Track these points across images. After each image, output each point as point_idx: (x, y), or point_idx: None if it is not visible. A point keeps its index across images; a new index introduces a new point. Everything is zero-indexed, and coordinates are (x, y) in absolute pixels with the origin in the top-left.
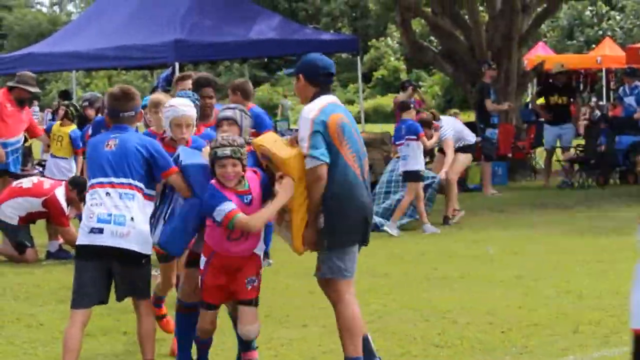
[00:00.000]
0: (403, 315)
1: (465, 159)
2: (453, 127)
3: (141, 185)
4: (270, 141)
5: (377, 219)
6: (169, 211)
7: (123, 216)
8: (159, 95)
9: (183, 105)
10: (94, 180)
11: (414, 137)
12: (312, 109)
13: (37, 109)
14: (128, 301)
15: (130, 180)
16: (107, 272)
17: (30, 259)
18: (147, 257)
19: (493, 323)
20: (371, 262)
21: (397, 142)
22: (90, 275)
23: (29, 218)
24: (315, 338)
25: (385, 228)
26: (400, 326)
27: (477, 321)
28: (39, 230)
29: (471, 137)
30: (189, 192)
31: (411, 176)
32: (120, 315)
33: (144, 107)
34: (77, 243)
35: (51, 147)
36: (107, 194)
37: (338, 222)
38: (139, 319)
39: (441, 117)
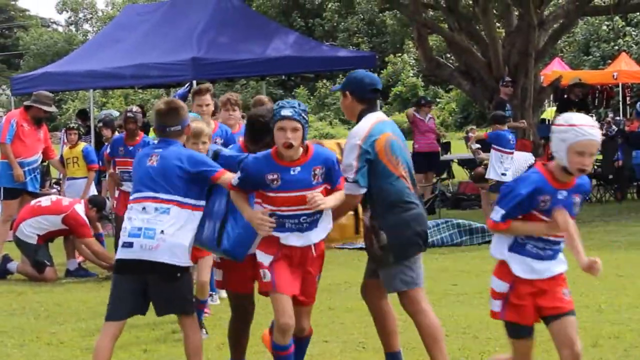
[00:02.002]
0: None
1: None
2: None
3: (180, 198)
4: None
5: None
6: (222, 213)
7: (153, 229)
8: (201, 125)
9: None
10: (135, 195)
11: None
12: (359, 134)
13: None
14: (148, 317)
15: (167, 196)
16: (142, 286)
17: (49, 277)
18: (182, 270)
19: None
20: None
21: (509, 150)
22: (124, 289)
23: (48, 236)
24: (337, 354)
25: None
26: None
27: (498, 336)
28: (57, 249)
29: (531, 159)
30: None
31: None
32: (140, 332)
33: None
34: (116, 257)
35: (67, 171)
36: (144, 208)
37: (400, 236)
38: (185, 334)
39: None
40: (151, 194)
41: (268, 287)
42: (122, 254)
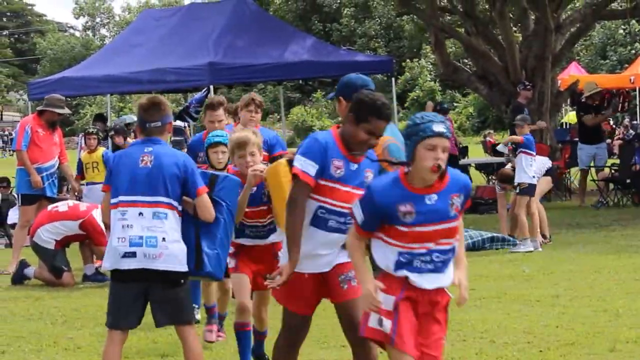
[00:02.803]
0: None
1: (545, 182)
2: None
3: (176, 203)
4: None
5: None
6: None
7: (155, 238)
8: (246, 134)
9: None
10: (125, 198)
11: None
12: None
13: None
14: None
15: (165, 199)
16: (142, 295)
17: (67, 282)
18: (184, 276)
19: (531, 342)
20: None
21: (534, 152)
22: (126, 298)
23: (65, 241)
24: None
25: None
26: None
27: (515, 340)
28: (74, 254)
29: (549, 163)
30: (213, 215)
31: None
32: (158, 337)
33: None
34: (111, 267)
35: (87, 176)
36: (140, 214)
37: None
38: (184, 344)
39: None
40: (148, 198)
41: (385, 339)
42: (124, 264)
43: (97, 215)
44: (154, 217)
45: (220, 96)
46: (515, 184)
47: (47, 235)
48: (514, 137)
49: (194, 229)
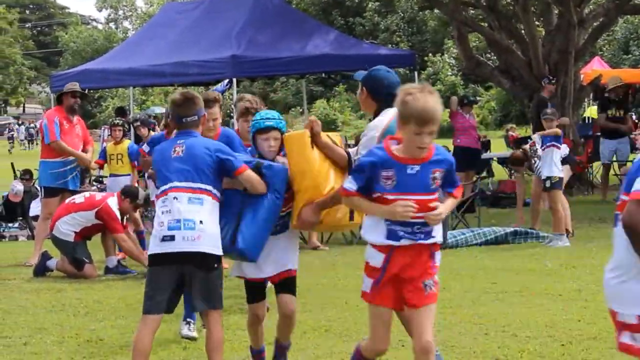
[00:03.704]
0: (462, 329)
1: (565, 170)
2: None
3: (210, 188)
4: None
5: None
6: (236, 212)
7: (192, 220)
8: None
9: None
10: (163, 187)
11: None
12: (379, 127)
13: (21, 128)
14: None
15: (200, 185)
16: (179, 280)
17: (89, 274)
18: (219, 260)
19: (553, 336)
20: None
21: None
22: (162, 282)
23: (85, 233)
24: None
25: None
26: (459, 340)
27: (537, 335)
28: (96, 246)
29: (566, 150)
30: (265, 187)
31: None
32: (179, 326)
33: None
34: (149, 252)
35: (110, 168)
36: (175, 198)
37: None
38: (208, 329)
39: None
40: (183, 183)
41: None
42: (162, 247)
43: (112, 203)
44: (189, 202)
45: (215, 92)
46: (544, 177)
47: (66, 228)
48: (550, 130)
49: (238, 207)
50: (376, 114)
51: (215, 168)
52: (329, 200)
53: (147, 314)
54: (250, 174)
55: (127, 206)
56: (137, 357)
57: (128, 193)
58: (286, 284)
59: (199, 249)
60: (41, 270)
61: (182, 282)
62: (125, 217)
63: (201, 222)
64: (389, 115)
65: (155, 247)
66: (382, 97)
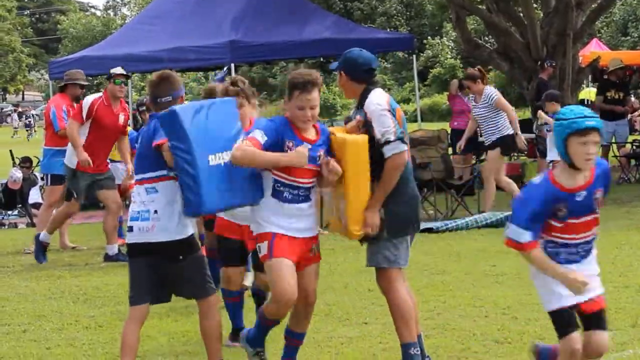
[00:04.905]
0: (462, 311)
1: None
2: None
3: (164, 172)
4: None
5: None
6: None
7: (147, 211)
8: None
9: None
10: (135, 178)
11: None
12: (382, 102)
13: (15, 115)
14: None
15: (151, 174)
16: (151, 271)
17: (71, 207)
18: (182, 249)
19: None
20: (429, 259)
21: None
22: (138, 272)
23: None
24: (376, 335)
25: None
26: (459, 322)
27: (537, 316)
28: (98, 233)
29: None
30: (170, 161)
31: None
32: (180, 316)
33: None
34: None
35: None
36: (138, 191)
37: (399, 211)
38: (200, 317)
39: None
40: (139, 175)
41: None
42: (127, 237)
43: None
44: (147, 193)
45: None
46: (549, 160)
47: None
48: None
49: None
50: (364, 95)
51: (153, 150)
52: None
53: (132, 305)
54: (164, 147)
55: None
56: (124, 353)
57: None
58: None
59: (153, 239)
60: (40, 251)
61: (158, 272)
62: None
63: (155, 211)
64: (383, 93)
65: (127, 236)
66: (361, 74)
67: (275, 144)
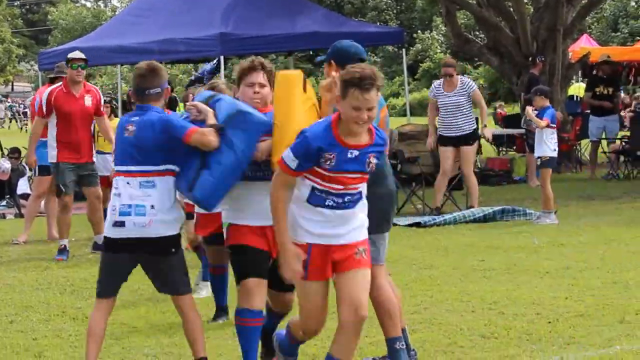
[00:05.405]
0: (449, 306)
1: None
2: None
3: (163, 167)
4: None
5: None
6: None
7: (143, 206)
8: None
9: None
10: (117, 168)
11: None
12: None
13: (1, 106)
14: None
15: (151, 167)
16: (132, 266)
17: (65, 201)
18: (176, 242)
19: (540, 314)
20: (417, 254)
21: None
22: (115, 267)
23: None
24: (363, 330)
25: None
26: (446, 317)
27: (524, 312)
28: (85, 224)
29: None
30: (217, 142)
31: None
32: (166, 307)
33: None
34: (104, 235)
35: (97, 144)
36: (128, 183)
37: (377, 209)
38: (182, 316)
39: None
40: (133, 167)
41: None
42: (113, 233)
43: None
44: (140, 187)
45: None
46: (536, 157)
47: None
48: (539, 121)
49: (200, 155)
50: None
51: (164, 147)
52: None
53: (99, 297)
54: (197, 137)
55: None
56: (91, 340)
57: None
58: None
59: (150, 234)
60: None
61: (138, 265)
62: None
63: (152, 207)
64: None
65: (107, 230)
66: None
67: (308, 160)
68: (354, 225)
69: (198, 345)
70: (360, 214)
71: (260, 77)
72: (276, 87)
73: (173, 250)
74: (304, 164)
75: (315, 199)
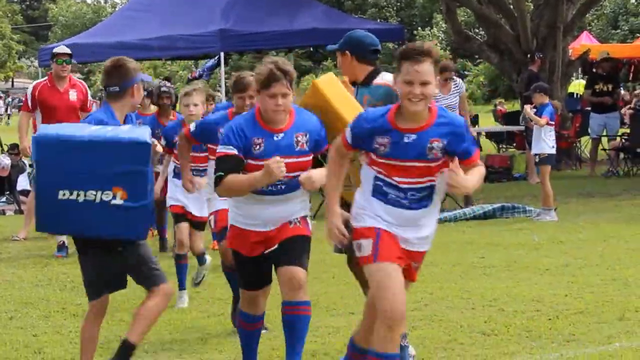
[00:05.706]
0: (449, 303)
1: None
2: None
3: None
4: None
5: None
6: None
7: None
8: None
9: None
10: None
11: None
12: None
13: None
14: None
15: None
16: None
17: None
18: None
19: (539, 311)
20: None
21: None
22: (100, 265)
23: None
24: None
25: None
26: (446, 314)
27: (524, 309)
28: None
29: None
30: None
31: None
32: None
33: None
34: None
35: None
36: None
37: None
38: (146, 298)
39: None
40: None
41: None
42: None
43: None
44: None
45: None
46: (534, 154)
47: None
48: (538, 120)
49: None
50: (371, 78)
51: None
52: None
53: (90, 300)
54: None
55: None
56: (85, 343)
57: None
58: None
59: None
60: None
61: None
62: None
63: None
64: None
65: None
66: (369, 55)
67: (360, 140)
68: (423, 234)
69: (135, 328)
70: (429, 221)
71: (283, 87)
72: (323, 92)
73: (119, 248)
74: (358, 141)
75: (378, 190)
